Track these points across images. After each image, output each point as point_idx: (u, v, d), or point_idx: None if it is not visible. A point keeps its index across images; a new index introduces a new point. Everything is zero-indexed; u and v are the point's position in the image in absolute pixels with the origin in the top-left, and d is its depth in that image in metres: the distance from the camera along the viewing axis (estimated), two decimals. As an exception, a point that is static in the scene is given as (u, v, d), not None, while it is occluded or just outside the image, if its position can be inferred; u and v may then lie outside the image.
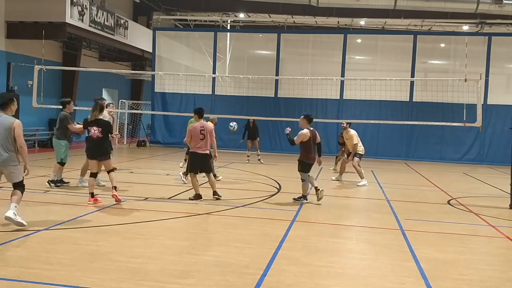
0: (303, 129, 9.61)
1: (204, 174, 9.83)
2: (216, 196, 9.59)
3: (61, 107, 10.66)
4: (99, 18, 21.07)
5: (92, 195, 8.76)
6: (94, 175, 8.91)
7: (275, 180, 12.89)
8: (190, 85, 21.26)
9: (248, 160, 17.28)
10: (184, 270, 5.33)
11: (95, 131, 8.82)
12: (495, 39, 21.37)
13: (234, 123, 14.50)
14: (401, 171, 17.29)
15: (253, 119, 17.23)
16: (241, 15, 26.51)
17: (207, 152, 9.65)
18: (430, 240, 7.16)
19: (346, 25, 25.36)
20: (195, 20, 26.33)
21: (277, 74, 21.92)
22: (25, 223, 6.65)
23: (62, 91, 22.72)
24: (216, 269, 5.42)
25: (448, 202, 10.73)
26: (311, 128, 9.71)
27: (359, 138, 13.02)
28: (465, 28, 24.43)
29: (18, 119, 6.85)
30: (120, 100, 26.25)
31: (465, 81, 11.65)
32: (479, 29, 23.48)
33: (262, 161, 17.09)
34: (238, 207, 9.08)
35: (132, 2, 28.10)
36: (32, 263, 5.32)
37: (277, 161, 17.86)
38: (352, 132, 13.06)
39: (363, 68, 23.36)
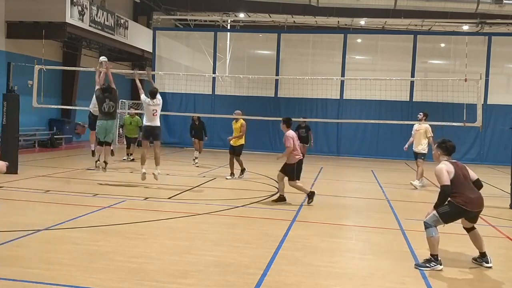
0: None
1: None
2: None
3: (61, 107, 10.68)
4: (99, 18, 21.06)
5: None
6: None
7: (275, 180, 12.87)
8: (190, 85, 21.25)
9: (195, 163, 15.57)
10: (184, 270, 5.33)
11: None
12: (495, 39, 21.35)
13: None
14: (401, 171, 17.28)
15: (198, 116, 15.94)
16: (241, 15, 26.50)
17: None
18: (430, 240, 7.15)
19: (346, 25, 25.35)
20: (195, 20, 26.32)
21: (277, 74, 21.91)
22: None
23: (62, 91, 22.72)
24: (216, 269, 5.42)
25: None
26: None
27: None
28: (465, 28, 24.42)
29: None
30: (120, 100, 26.21)
31: (465, 81, 11.63)
32: (479, 29, 23.47)
33: (198, 165, 15.35)
34: (238, 207, 9.08)
35: (132, 2, 28.08)
36: (32, 263, 5.32)
37: (276, 161, 17.83)
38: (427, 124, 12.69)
39: (363, 68, 23.34)
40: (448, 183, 5.76)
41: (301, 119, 15.89)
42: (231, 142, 13.09)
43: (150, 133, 10.94)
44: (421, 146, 12.57)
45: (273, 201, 9.78)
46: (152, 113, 10.80)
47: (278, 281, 5.11)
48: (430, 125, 12.68)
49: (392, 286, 5.17)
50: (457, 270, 5.79)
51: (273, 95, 22.28)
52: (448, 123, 14.90)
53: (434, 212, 5.86)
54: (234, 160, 13.01)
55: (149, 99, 10.81)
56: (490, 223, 8.51)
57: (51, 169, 13.41)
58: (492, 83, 20.74)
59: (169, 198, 9.73)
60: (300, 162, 9.65)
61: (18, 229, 6.67)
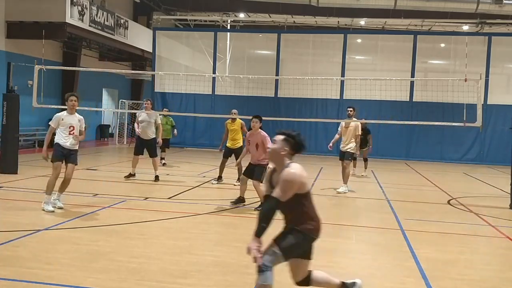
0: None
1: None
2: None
3: (61, 107, 10.60)
4: (99, 18, 21.06)
5: None
6: None
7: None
8: (190, 85, 21.25)
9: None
10: (184, 270, 5.33)
11: None
12: (495, 39, 21.35)
13: None
14: (401, 171, 17.28)
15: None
16: (241, 15, 26.52)
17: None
18: (430, 240, 7.15)
19: (346, 25, 25.36)
20: (195, 20, 26.34)
21: (277, 74, 21.92)
22: None
23: (62, 91, 22.72)
24: (216, 269, 5.42)
25: (448, 202, 10.72)
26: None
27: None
28: (465, 28, 24.43)
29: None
30: (120, 100, 26.25)
31: (465, 81, 11.63)
32: (479, 29, 23.48)
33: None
34: (238, 207, 9.08)
35: (132, 2, 28.10)
36: (32, 263, 5.31)
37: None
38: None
39: (363, 68, 23.35)
40: None
41: (362, 121, 15.47)
42: (229, 145, 12.04)
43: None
44: (351, 145, 11.43)
45: (231, 202, 9.23)
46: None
47: (278, 281, 5.10)
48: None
49: (392, 286, 5.17)
50: (456, 269, 5.79)
51: (273, 95, 22.28)
52: (448, 123, 14.92)
53: None
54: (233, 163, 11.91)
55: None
56: (490, 223, 8.52)
57: (51, 169, 13.37)
58: (492, 83, 20.75)
59: (169, 198, 9.73)
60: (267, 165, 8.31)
61: (18, 229, 6.67)
